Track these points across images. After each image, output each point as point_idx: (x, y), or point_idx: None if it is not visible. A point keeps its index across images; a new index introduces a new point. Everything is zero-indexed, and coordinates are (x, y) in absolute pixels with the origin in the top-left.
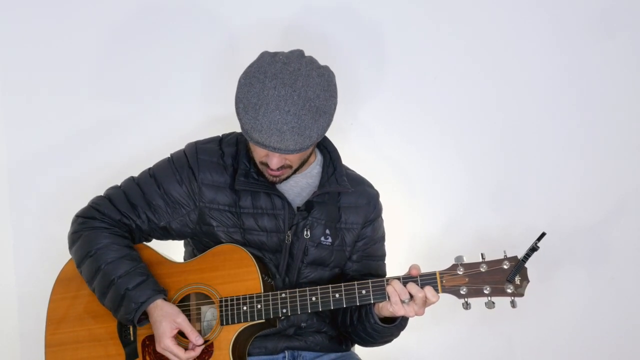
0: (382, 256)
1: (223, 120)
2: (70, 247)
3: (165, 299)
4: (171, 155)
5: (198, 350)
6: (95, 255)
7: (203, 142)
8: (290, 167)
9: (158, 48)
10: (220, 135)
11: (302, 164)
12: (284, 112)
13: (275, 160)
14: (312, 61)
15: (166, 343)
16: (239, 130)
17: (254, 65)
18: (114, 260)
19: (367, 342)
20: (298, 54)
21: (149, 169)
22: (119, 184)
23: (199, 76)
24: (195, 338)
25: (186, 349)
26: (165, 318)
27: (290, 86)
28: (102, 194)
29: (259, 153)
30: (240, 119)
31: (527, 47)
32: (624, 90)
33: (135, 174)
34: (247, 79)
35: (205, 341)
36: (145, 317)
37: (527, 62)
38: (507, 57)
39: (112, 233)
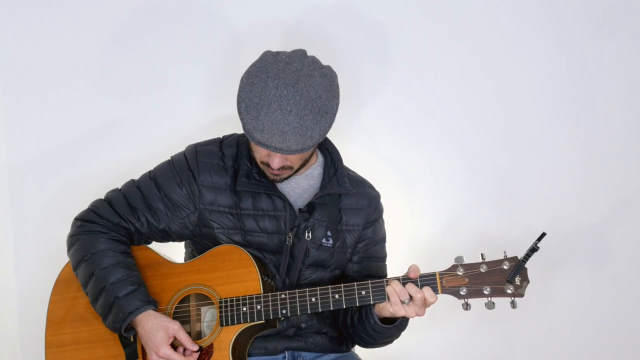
0: (383, 257)
1: (225, 121)
2: (68, 250)
3: (155, 310)
4: (171, 157)
5: (195, 356)
6: (90, 260)
7: (203, 144)
8: (291, 168)
9: (159, 49)
10: (221, 136)
11: (303, 164)
12: (286, 112)
13: (276, 161)
14: (314, 61)
15: (165, 351)
16: (240, 131)
17: (256, 64)
18: (108, 267)
19: (368, 343)
20: (300, 54)
21: (150, 171)
22: (120, 187)
23: (200, 77)
24: (191, 345)
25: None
26: (162, 327)
27: (292, 86)
28: (102, 197)
29: (260, 153)
30: (242, 119)
31: (528, 47)
32: (624, 90)
33: (136, 176)
34: (249, 79)
35: (200, 347)
36: (132, 328)
37: (527, 63)
38: (507, 58)
39: (110, 238)
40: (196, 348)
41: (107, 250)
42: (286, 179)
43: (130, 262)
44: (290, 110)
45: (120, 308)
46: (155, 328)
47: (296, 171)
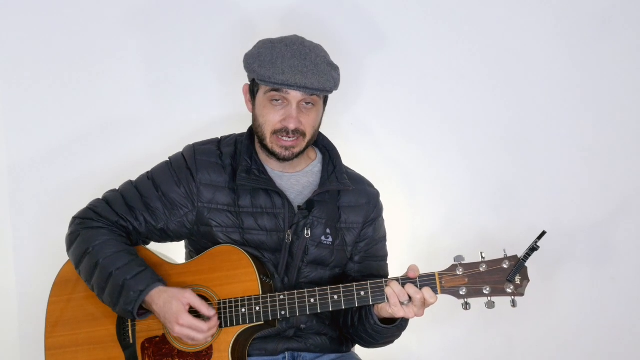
0: (384, 256)
1: (223, 122)
2: (68, 248)
3: (164, 286)
4: (169, 158)
5: (215, 320)
6: (93, 251)
7: (201, 144)
8: (304, 135)
9: (158, 49)
10: (219, 137)
11: (311, 139)
12: (301, 59)
13: (294, 117)
14: (304, 38)
15: (185, 319)
16: (237, 132)
17: (256, 45)
18: (112, 254)
19: (369, 343)
20: (293, 35)
21: (147, 172)
22: (117, 187)
23: (199, 78)
24: (207, 310)
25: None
26: (174, 297)
27: (298, 44)
28: (100, 197)
29: (274, 117)
30: (258, 74)
31: (528, 46)
32: (625, 90)
33: (134, 177)
34: (253, 52)
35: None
36: (145, 312)
37: (527, 62)
38: (508, 57)
39: (110, 231)
40: (213, 312)
41: (109, 240)
42: (297, 156)
43: (133, 250)
44: (304, 58)
45: (130, 288)
46: (168, 300)
47: (302, 151)
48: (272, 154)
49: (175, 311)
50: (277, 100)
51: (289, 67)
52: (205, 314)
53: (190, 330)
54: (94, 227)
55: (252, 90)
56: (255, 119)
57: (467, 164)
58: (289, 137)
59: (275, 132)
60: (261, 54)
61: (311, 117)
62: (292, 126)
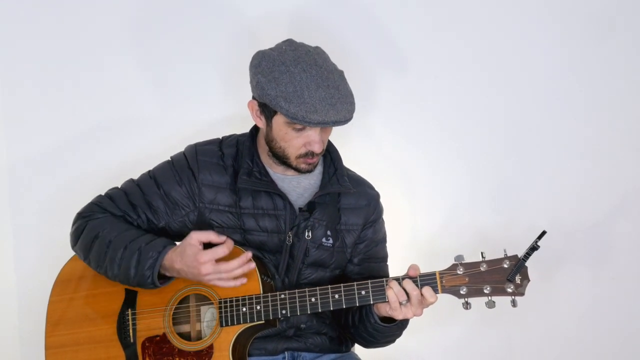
0: (384, 258)
1: (225, 122)
2: (74, 243)
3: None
4: (171, 157)
5: (230, 242)
6: (103, 233)
7: (203, 144)
8: (322, 150)
9: (159, 49)
10: (221, 137)
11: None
12: (325, 87)
13: (319, 142)
14: (303, 44)
15: (204, 256)
16: (239, 132)
17: (262, 63)
18: (124, 231)
19: (370, 343)
20: (290, 42)
21: (149, 171)
22: (119, 185)
23: (200, 78)
24: (216, 237)
25: None
26: (184, 245)
27: (314, 65)
28: (103, 194)
29: (298, 142)
30: (287, 111)
31: (528, 46)
32: (625, 89)
33: (136, 176)
34: (268, 76)
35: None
36: (165, 280)
37: (527, 62)
38: (507, 57)
39: (116, 217)
40: (224, 238)
41: (117, 222)
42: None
43: (141, 230)
44: (327, 85)
45: (147, 252)
46: (182, 251)
47: None
48: (294, 169)
49: (192, 254)
50: (300, 128)
51: (319, 102)
52: (216, 241)
53: (215, 266)
54: (100, 218)
55: (265, 111)
56: (273, 139)
57: (467, 164)
58: (314, 158)
59: (300, 156)
60: (279, 81)
61: (328, 132)
62: (318, 150)
